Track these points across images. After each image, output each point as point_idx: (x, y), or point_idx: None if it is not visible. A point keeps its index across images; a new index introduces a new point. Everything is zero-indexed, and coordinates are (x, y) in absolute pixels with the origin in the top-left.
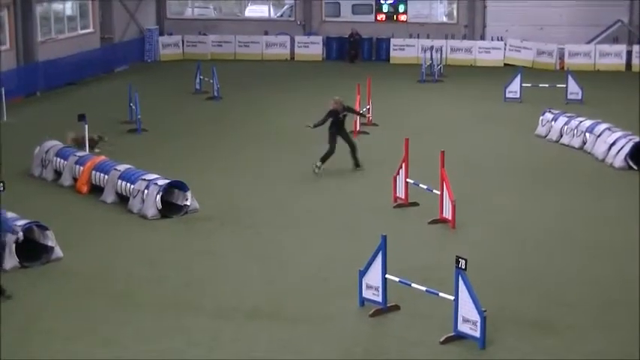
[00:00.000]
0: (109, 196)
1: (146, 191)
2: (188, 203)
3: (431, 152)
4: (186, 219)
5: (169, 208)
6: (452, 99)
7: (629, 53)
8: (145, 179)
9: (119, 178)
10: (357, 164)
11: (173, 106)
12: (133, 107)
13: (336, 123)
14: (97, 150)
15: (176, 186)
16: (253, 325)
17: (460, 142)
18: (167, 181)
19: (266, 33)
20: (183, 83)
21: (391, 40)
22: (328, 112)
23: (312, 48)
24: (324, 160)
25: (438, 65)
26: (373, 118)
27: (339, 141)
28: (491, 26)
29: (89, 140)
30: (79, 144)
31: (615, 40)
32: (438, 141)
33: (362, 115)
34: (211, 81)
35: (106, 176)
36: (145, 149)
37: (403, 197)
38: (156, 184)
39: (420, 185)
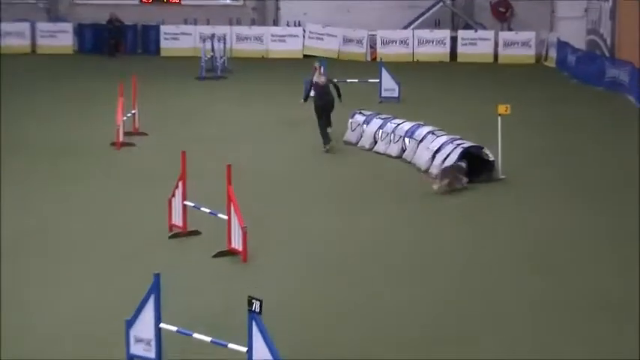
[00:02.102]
0: None
1: None
2: None
3: (215, 167)
4: None
5: None
6: (240, 100)
7: (454, 40)
8: None
9: None
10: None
11: None
12: None
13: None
14: None
15: None
16: None
17: (251, 153)
18: None
19: None
20: None
21: (161, 27)
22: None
23: (60, 38)
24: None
25: (221, 58)
26: (141, 125)
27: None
28: (286, 9)
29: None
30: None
31: (436, 24)
32: (225, 153)
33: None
34: None
35: None
36: None
37: (181, 224)
38: None
39: (202, 209)
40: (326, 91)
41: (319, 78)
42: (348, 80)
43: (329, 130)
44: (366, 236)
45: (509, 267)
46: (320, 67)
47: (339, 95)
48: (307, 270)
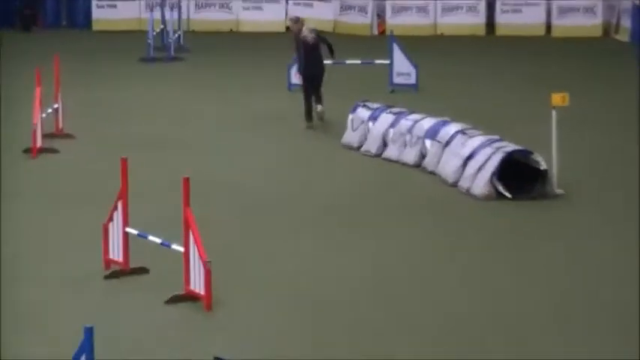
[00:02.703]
0: None
1: None
2: None
3: (167, 180)
4: None
5: None
6: (200, 89)
7: (491, 6)
8: None
9: None
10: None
11: None
12: None
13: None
14: None
15: None
16: None
17: (217, 161)
18: None
19: None
20: None
21: None
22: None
23: None
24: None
25: (175, 33)
26: (66, 124)
27: None
28: None
29: None
30: None
31: None
32: (180, 161)
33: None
34: None
35: None
36: None
37: (121, 259)
38: None
39: (150, 238)
40: (316, 51)
41: (308, 34)
42: (348, 61)
43: (319, 108)
44: (372, 273)
45: (560, 316)
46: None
47: (332, 52)
48: (291, 320)
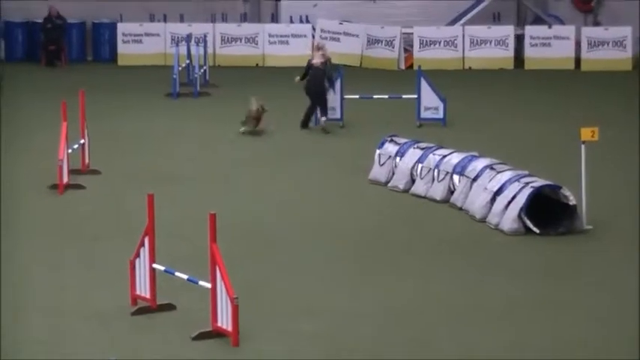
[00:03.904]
0: None
1: None
2: None
3: (193, 216)
4: None
5: None
6: (225, 124)
7: (520, 39)
8: None
9: None
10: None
11: None
12: None
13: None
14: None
15: None
16: None
17: (241, 196)
18: None
19: None
20: None
21: (119, 25)
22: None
23: None
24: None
25: (201, 67)
26: (92, 159)
27: None
28: None
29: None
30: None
31: (496, 18)
32: (206, 197)
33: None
34: None
35: None
36: None
37: (148, 295)
38: None
39: (177, 274)
40: (319, 75)
41: (317, 58)
42: (375, 96)
43: (323, 120)
44: (399, 309)
45: (592, 352)
46: (322, 47)
47: (330, 81)
48: (317, 357)
